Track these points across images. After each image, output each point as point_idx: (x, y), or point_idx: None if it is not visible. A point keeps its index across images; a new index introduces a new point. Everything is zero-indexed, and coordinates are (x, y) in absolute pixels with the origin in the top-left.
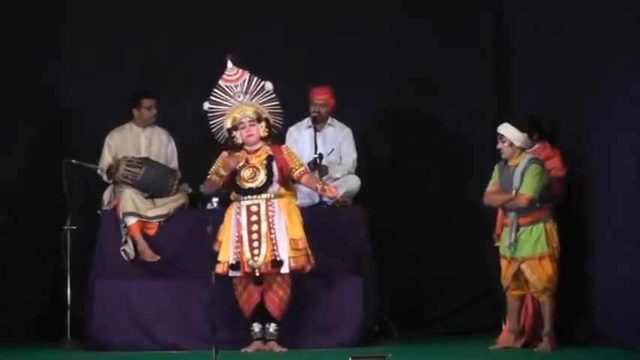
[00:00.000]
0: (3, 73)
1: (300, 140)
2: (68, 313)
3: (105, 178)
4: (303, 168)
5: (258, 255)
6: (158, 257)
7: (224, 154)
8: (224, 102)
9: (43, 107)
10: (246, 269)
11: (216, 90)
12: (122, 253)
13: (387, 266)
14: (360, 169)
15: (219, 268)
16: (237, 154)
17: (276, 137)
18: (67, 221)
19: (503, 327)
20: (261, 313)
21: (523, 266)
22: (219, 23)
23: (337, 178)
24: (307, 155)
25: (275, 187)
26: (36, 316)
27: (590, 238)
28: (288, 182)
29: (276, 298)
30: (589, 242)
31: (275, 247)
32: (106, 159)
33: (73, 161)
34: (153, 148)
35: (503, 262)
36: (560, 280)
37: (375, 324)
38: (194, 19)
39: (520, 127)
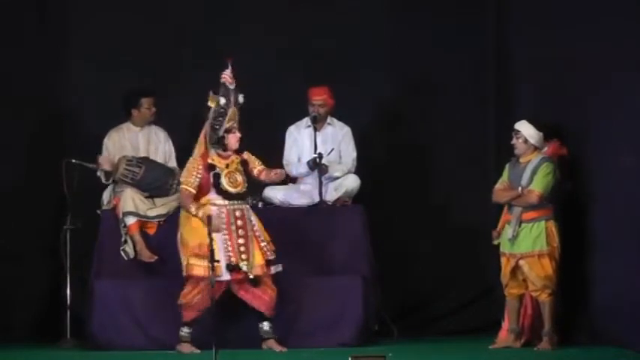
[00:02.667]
0: (3, 73)
1: (300, 139)
2: (68, 312)
3: (103, 179)
4: (262, 165)
5: (247, 259)
6: (156, 257)
7: (198, 160)
8: (228, 102)
9: (43, 107)
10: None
11: (224, 88)
12: (122, 252)
13: (386, 266)
14: (359, 169)
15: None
16: (210, 157)
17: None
18: (66, 221)
19: (503, 325)
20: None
21: (521, 262)
22: (219, 23)
23: (337, 178)
24: (307, 154)
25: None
26: (36, 315)
27: (591, 238)
28: None
29: (267, 297)
30: (589, 242)
31: (263, 249)
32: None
33: (73, 161)
34: (151, 147)
35: (503, 259)
36: (560, 279)
37: (375, 323)
38: (194, 19)
39: (537, 126)
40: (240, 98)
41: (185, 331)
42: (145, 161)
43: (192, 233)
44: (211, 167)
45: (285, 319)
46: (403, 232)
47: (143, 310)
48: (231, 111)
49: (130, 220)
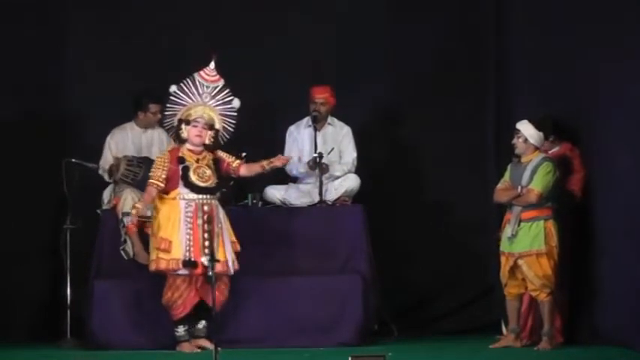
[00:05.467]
0: (3, 73)
1: (300, 139)
2: (68, 312)
3: (106, 177)
4: (238, 160)
5: (210, 255)
6: None
7: (166, 154)
8: (190, 94)
9: (43, 107)
10: (202, 268)
11: (189, 80)
12: (122, 252)
13: (386, 265)
14: (359, 169)
15: (171, 264)
16: (181, 151)
17: (212, 149)
18: (66, 220)
19: (505, 330)
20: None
21: (520, 262)
22: (220, 23)
23: (338, 177)
24: (307, 154)
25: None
26: (36, 315)
27: (594, 238)
28: None
29: (222, 297)
30: (593, 242)
31: (225, 249)
32: (108, 158)
33: (73, 160)
34: (153, 148)
35: (502, 259)
36: (563, 279)
37: (375, 323)
38: (194, 19)
39: (537, 126)
40: (236, 102)
41: (181, 330)
42: (146, 161)
43: (160, 226)
44: (181, 160)
45: (285, 319)
46: (403, 232)
47: (143, 309)
48: (196, 104)
49: (129, 221)
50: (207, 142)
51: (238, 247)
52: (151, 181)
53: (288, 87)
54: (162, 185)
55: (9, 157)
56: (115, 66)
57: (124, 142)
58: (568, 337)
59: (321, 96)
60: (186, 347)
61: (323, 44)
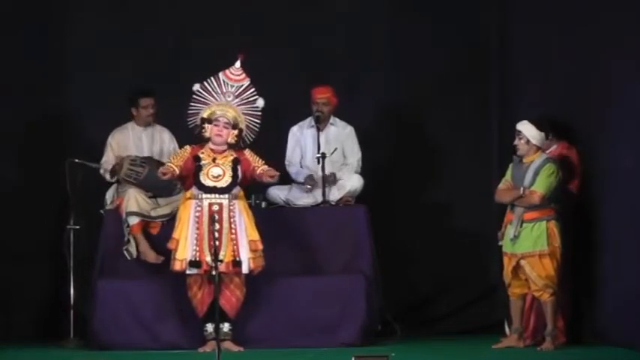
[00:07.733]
0: (4, 73)
1: (303, 140)
2: (71, 312)
3: (107, 177)
4: (264, 166)
5: (215, 255)
6: (162, 258)
7: (187, 148)
8: (213, 93)
9: (45, 107)
10: (205, 267)
11: (212, 79)
12: (125, 252)
13: (389, 265)
14: (362, 169)
15: (177, 266)
16: (202, 150)
17: (239, 148)
18: (70, 220)
19: (508, 331)
20: (214, 313)
21: (523, 262)
22: (221, 23)
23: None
24: (310, 154)
25: (237, 189)
26: (39, 315)
27: (598, 238)
28: (245, 186)
29: (234, 299)
30: (597, 242)
31: (235, 248)
32: (109, 158)
33: (76, 160)
34: (155, 147)
35: (505, 259)
36: (567, 280)
37: (378, 323)
38: (195, 19)
39: (538, 126)
40: (260, 102)
41: (207, 328)
42: (149, 161)
43: (174, 226)
44: (197, 159)
45: (288, 319)
46: (406, 232)
47: (146, 309)
48: (219, 103)
49: (133, 221)
50: (230, 141)
51: (259, 246)
52: (168, 164)
53: (290, 87)
54: (175, 170)
55: (11, 157)
56: (116, 66)
57: (124, 142)
58: (571, 338)
59: (323, 96)
60: (207, 347)
61: (324, 44)
